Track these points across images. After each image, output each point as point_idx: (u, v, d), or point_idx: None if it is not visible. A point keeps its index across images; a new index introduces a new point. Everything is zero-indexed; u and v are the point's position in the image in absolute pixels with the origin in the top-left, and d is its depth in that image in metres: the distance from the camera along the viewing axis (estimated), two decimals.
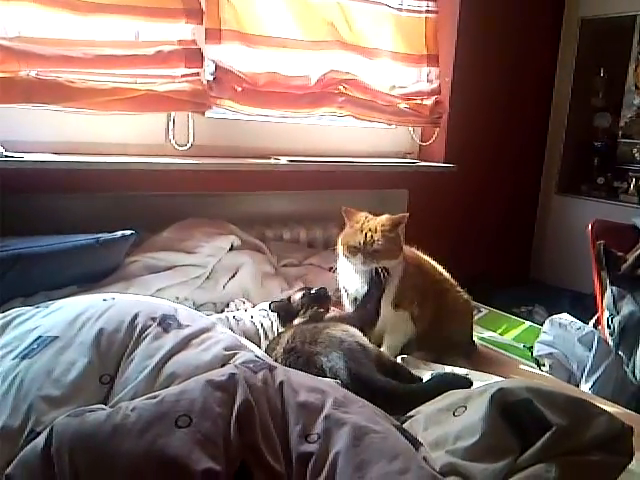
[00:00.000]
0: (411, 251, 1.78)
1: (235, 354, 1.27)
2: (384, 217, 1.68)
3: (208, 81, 2.09)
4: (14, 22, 1.78)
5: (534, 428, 1.03)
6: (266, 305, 1.83)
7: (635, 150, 3.20)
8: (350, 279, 1.70)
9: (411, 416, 1.20)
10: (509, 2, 2.93)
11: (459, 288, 1.83)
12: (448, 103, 2.81)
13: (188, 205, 2.17)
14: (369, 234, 1.62)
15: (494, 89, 2.95)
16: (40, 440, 0.98)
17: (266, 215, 2.40)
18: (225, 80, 2.11)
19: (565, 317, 2.15)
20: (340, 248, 1.69)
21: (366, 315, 1.62)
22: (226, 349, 1.28)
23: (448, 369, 1.65)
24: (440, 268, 1.82)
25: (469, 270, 2.81)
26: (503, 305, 2.55)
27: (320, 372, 1.33)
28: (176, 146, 2.17)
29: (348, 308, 1.74)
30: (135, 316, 1.30)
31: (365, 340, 1.49)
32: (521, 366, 1.91)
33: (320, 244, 2.45)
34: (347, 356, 1.35)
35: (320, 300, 1.68)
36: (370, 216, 1.70)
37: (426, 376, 1.58)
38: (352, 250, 1.63)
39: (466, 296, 1.83)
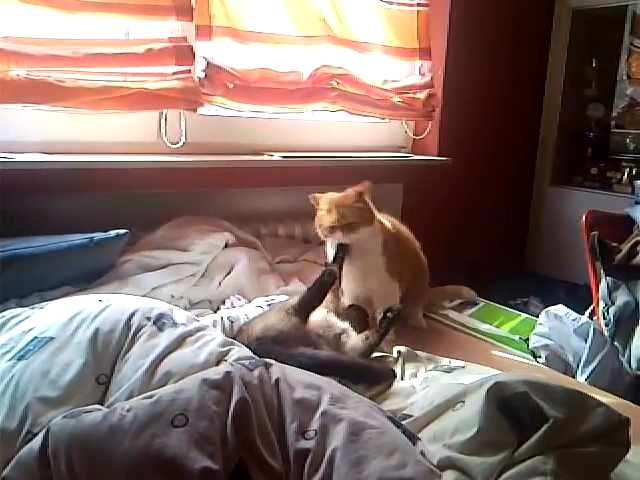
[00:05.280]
0: (388, 221, 1.88)
1: (230, 350, 1.28)
2: (348, 191, 1.77)
3: (199, 78, 2.07)
4: (2, 21, 1.77)
5: (531, 421, 1.03)
6: (262, 301, 1.83)
7: (628, 140, 3.21)
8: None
9: (410, 415, 1.20)
10: None
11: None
12: (441, 96, 2.80)
13: (182, 203, 2.16)
14: (340, 210, 1.72)
15: (487, 81, 2.94)
16: (37, 441, 0.98)
17: (260, 212, 2.39)
18: (217, 77, 2.10)
19: (560, 308, 2.15)
20: (319, 231, 1.79)
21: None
22: (221, 345, 1.28)
23: (445, 362, 1.66)
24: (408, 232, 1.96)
25: (464, 262, 2.83)
26: (498, 297, 2.54)
27: None
28: (169, 144, 2.15)
29: None
30: (131, 316, 1.30)
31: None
32: (517, 358, 1.92)
33: (315, 240, 2.43)
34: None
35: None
36: (335, 194, 1.79)
37: (421, 371, 1.58)
38: (330, 230, 1.74)
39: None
